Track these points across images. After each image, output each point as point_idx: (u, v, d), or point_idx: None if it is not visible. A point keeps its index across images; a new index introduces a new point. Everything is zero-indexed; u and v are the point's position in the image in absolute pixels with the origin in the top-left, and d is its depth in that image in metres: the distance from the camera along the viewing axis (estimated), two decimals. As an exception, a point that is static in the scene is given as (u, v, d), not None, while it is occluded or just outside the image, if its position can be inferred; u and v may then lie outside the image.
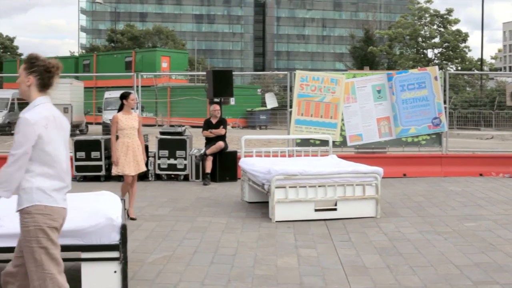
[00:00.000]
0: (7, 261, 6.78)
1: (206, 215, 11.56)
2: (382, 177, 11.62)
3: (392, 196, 13.69)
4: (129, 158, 11.10)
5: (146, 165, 16.58)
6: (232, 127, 40.18)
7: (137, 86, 18.52)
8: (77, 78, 44.51)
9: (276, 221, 10.86)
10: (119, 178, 16.24)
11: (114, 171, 11.27)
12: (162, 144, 16.40)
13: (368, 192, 11.31)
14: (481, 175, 17.25)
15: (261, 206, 12.30)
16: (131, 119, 11.24)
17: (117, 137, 11.24)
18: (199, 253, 8.70)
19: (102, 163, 16.23)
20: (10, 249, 6.38)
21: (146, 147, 16.91)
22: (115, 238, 6.54)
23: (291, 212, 11.00)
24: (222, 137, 16.24)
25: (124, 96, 11.30)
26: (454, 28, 61.30)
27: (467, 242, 9.48)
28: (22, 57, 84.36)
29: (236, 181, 15.72)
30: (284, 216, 10.94)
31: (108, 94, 39.96)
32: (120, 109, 11.40)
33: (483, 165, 17.59)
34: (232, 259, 8.36)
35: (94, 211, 6.65)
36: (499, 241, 9.51)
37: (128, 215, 10.58)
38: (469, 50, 61.46)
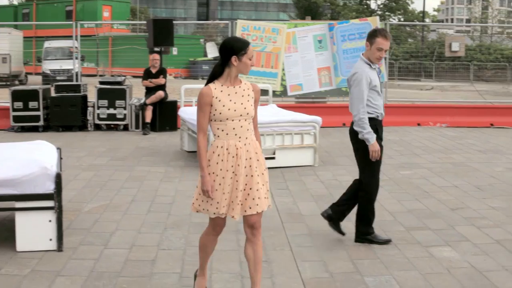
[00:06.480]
0: None
1: (144, 165, 11.53)
2: (321, 127, 11.76)
3: (330, 145, 13.83)
4: (230, 183, 5.13)
5: (85, 114, 16.46)
6: (175, 77, 39.97)
7: (77, 36, 18.28)
8: (16, 27, 43.53)
9: (215, 170, 10.86)
10: (58, 128, 16.10)
11: (196, 205, 5.32)
12: (101, 93, 16.17)
13: (306, 141, 11.42)
14: (418, 124, 17.54)
15: (200, 155, 12.28)
16: (239, 95, 5.19)
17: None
18: (136, 202, 8.71)
19: (40, 113, 15.94)
20: None
21: (85, 97, 16.68)
22: (49, 187, 6.51)
23: (230, 161, 11.01)
24: (162, 87, 16.13)
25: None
26: (397, -21, 61.57)
27: (402, 189, 9.71)
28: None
29: (176, 131, 15.62)
30: (223, 165, 10.94)
31: (48, 44, 39.23)
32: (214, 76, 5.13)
33: (421, 115, 17.89)
34: (169, 208, 8.39)
35: (28, 160, 6.59)
36: (433, 188, 9.76)
37: None
38: (412, 2, 62.03)
